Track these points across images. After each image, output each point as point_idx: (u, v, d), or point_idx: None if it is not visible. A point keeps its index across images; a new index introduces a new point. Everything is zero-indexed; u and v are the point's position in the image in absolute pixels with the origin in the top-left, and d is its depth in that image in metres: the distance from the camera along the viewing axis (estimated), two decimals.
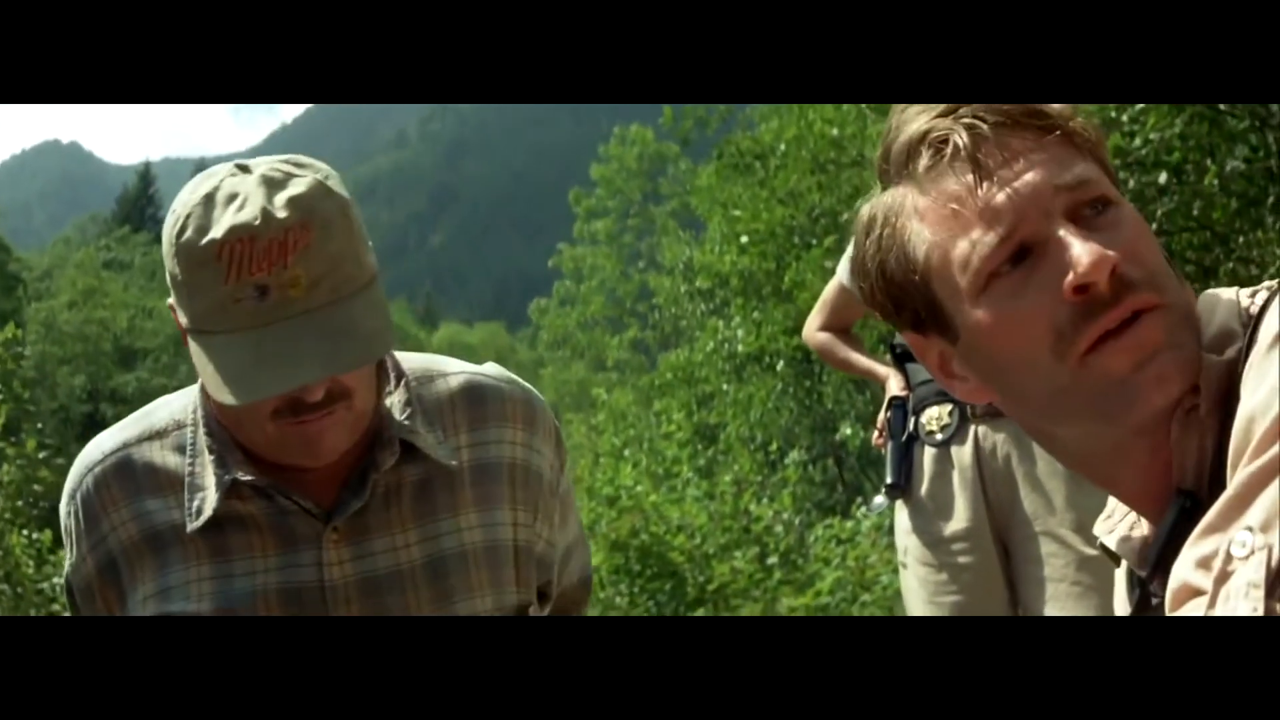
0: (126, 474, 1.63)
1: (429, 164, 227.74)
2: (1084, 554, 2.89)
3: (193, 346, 1.49)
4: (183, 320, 1.50)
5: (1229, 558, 0.89)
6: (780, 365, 13.81)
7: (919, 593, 3.18)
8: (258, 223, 1.41)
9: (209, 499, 1.57)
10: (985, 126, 1.09)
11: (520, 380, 1.79)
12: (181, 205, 1.48)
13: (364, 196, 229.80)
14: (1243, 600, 0.86)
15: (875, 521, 8.00)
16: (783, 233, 13.70)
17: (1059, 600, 2.97)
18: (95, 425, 55.96)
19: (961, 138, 1.09)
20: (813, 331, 3.63)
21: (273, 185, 1.46)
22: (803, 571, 8.48)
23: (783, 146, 14.05)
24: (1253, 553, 0.87)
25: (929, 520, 3.16)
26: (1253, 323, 1.01)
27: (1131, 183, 6.67)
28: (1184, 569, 0.93)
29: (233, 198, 1.44)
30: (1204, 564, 0.91)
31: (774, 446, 13.83)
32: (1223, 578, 0.89)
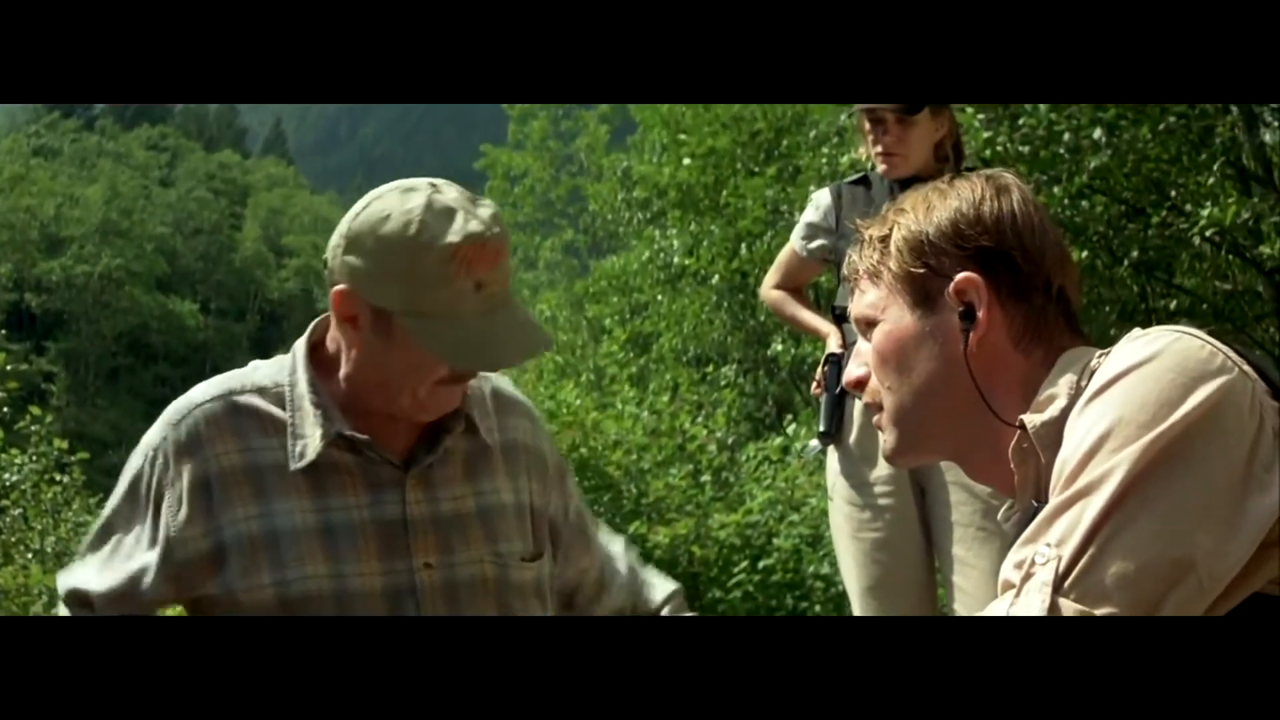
0: (233, 414, 1.93)
1: None
2: (989, 503, 3.22)
3: (404, 323, 1.82)
4: (391, 304, 1.82)
5: (1033, 563, 1.22)
6: (715, 279, 13.97)
7: (844, 528, 3.54)
8: (488, 233, 1.81)
9: (312, 444, 1.90)
10: None
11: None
12: (401, 211, 1.82)
13: None
14: (1036, 595, 1.20)
15: (804, 443, 8.25)
16: (725, 155, 13.81)
17: (965, 542, 3.33)
18: (21, 314, 54.47)
19: None
20: (768, 290, 3.99)
21: (473, 204, 1.85)
22: (734, 490, 8.75)
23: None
24: (1048, 561, 1.21)
25: (856, 465, 3.51)
26: (1090, 379, 1.34)
27: (1067, 136, 6.91)
28: (1006, 567, 1.26)
29: (450, 210, 1.81)
30: (1019, 565, 1.24)
31: (711, 369, 14.01)
32: (1027, 577, 1.22)
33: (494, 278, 1.83)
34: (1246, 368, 1.25)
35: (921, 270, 1.48)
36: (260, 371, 2.00)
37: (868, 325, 1.53)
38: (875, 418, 1.55)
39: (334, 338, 1.95)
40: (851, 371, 1.58)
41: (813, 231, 3.80)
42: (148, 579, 1.91)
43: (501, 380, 2.17)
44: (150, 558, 1.92)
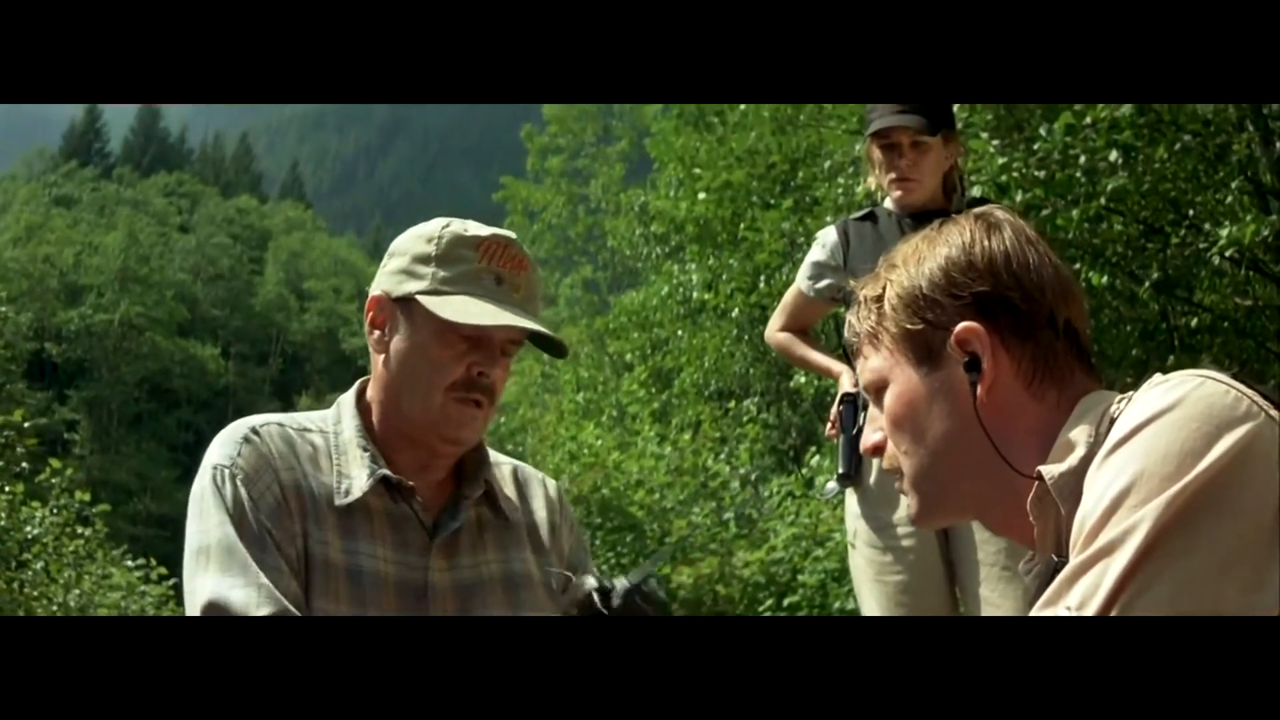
0: (285, 441, 2.00)
1: None
2: (1014, 542, 3.17)
3: (426, 301, 1.96)
4: (416, 286, 1.98)
5: None
6: (735, 313, 13.97)
7: (866, 571, 3.48)
8: (512, 238, 2.04)
9: (358, 483, 1.97)
10: None
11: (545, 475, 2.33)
12: (435, 223, 2.05)
13: (312, 128, 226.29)
14: None
15: (826, 477, 8.22)
16: (740, 188, 13.85)
17: (990, 582, 3.27)
18: (42, 364, 54.94)
19: None
20: (774, 332, 3.94)
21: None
22: (757, 526, 8.70)
23: (742, 105, 14.24)
24: None
25: (876, 506, 3.45)
26: (1109, 427, 1.29)
27: (1083, 158, 6.87)
28: None
29: (478, 226, 2.04)
30: None
31: (732, 404, 13.99)
32: None
33: (517, 281, 2.01)
34: (1274, 412, 1.20)
35: (920, 326, 1.45)
36: (303, 416, 2.10)
37: (877, 392, 1.50)
38: (897, 483, 1.52)
39: (371, 382, 2.09)
40: (869, 438, 1.55)
41: (820, 271, 3.76)
42: (291, 587, 1.87)
43: (524, 464, 2.29)
44: (281, 565, 1.88)
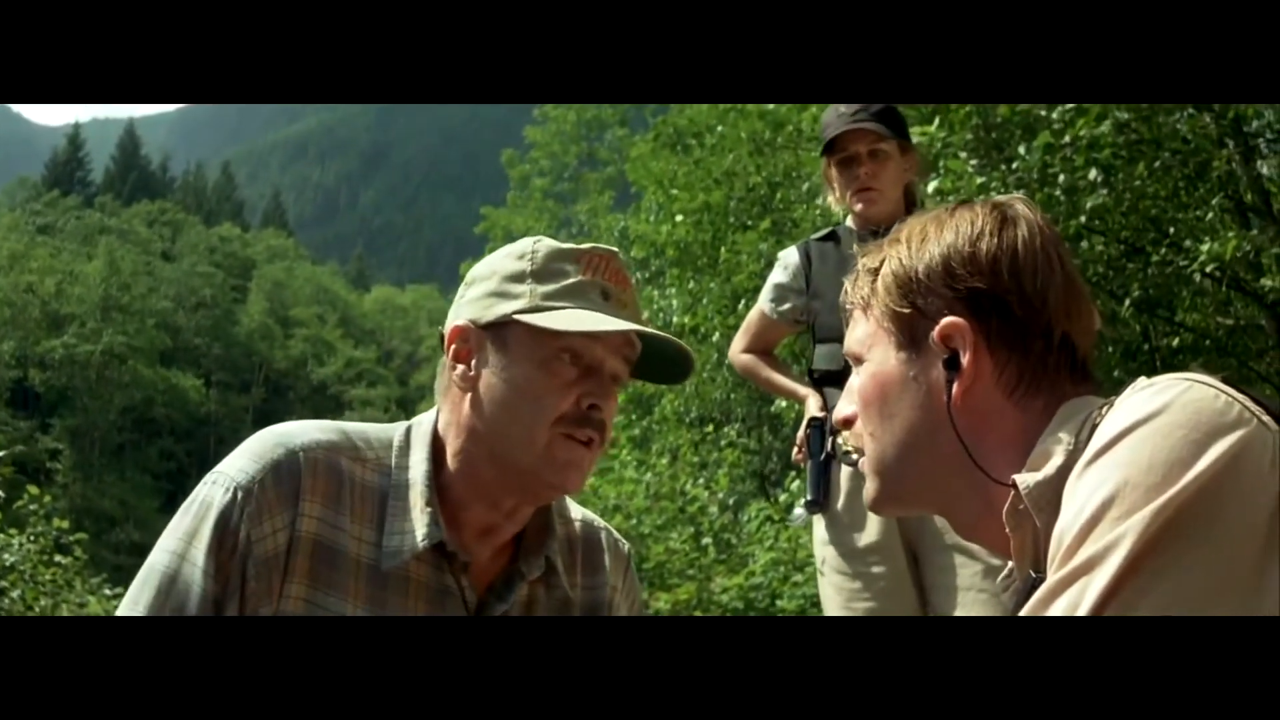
0: (336, 479, 1.71)
1: (360, 123, 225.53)
2: (990, 564, 3.09)
3: (530, 318, 1.68)
4: (512, 306, 1.71)
5: None
6: (716, 336, 13.96)
7: (835, 599, 3.40)
8: (614, 251, 1.79)
9: (408, 543, 1.69)
10: None
11: (612, 529, 2.02)
12: (525, 241, 1.79)
13: (294, 156, 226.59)
14: None
15: (796, 500, 8.20)
16: (719, 211, 13.86)
17: (967, 606, 3.18)
18: (25, 393, 55.01)
19: None
20: (737, 353, 3.88)
21: None
22: (736, 552, 8.65)
23: (720, 129, 14.28)
24: None
25: (845, 533, 3.38)
26: (1090, 434, 1.21)
27: (1063, 178, 6.84)
28: None
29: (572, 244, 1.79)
30: None
31: (709, 428, 13.95)
32: None
33: (624, 297, 1.75)
34: (1266, 418, 1.12)
35: (908, 310, 1.37)
36: (370, 435, 1.80)
37: (857, 361, 1.44)
38: (859, 460, 1.44)
39: (445, 420, 1.78)
40: (841, 409, 1.47)
41: (782, 293, 3.70)
42: None
43: (594, 520, 2.01)
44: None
